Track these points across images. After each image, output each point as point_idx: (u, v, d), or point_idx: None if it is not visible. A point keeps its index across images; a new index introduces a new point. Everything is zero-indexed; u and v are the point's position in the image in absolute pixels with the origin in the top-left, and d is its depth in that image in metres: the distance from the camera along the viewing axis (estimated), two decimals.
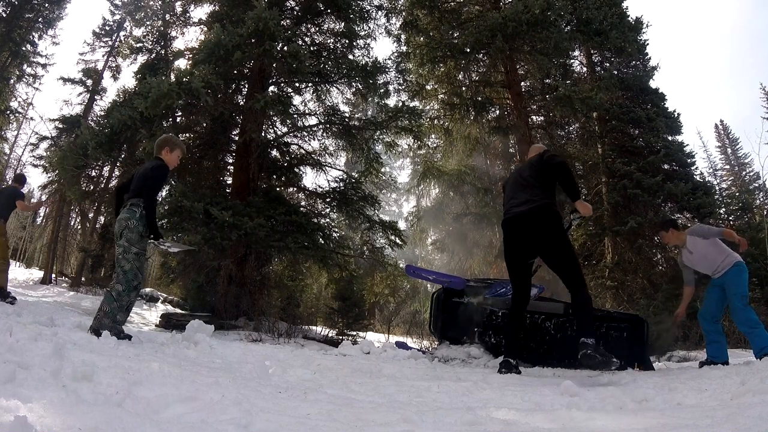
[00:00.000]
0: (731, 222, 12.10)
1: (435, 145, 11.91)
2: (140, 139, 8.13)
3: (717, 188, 14.41)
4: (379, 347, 5.08)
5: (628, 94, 11.18)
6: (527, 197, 3.12)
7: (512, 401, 2.11)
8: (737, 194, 14.09)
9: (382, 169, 10.76)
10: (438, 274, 5.62)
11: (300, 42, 8.97)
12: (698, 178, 11.03)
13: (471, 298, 4.95)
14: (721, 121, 19.10)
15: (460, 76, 11.12)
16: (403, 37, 10.36)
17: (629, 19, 10.96)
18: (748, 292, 3.92)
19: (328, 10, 9.24)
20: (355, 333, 10.17)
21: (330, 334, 7.77)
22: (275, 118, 9.07)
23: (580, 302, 2.99)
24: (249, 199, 7.84)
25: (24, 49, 15.07)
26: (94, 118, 14.68)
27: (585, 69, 12.13)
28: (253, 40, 7.27)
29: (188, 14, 10.73)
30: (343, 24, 9.33)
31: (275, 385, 2.13)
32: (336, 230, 9.37)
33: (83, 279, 14.07)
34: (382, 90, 9.19)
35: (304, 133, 9.43)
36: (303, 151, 9.63)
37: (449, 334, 5.06)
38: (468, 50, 9.63)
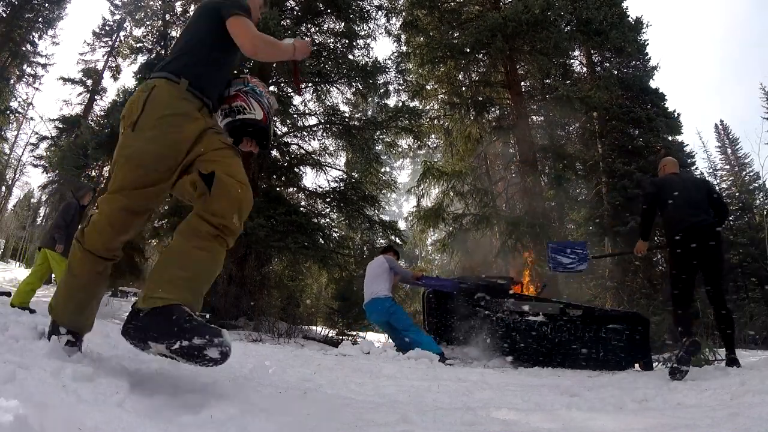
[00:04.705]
0: (731, 222, 12.11)
1: (435, 145, 11.89)
2: None
3: (717, 188, 14.39)
4: (379, 347, 5.09)
5: (628, 94, 11.18)
6: (704, 215, 3.36)
7: (512, 401, 2.11)
8: (737, 194, 14.09)
9: (382, 169, 10.76)
10: (428, 278, 5.52)
11: None
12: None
13: (463, 300, 4.88)
14: (721, 121, 19.10)
15: (460, 76, 11.12)
16: (403, 37, 10.36)
17: (629, 19, 10.98)
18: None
19: (328, 10, 9.24)
20: (355, 333, 10.15)
21: (330, 334, 7.77)
22: (275, 118, 9.07)
23: (728, 319, 3.17)
24: None
25: (24, 49, 15.09)
26: (94, 118, 14.70)
27: (585, 69, 12.14)
28: None
29: (188, 14, 10.72)
30: (343, 24, 9.33)
31: (275, 384, 2.12)
32: (336, 230, 9.36)
33: None
34: (382, 90, 9.19)
35: (304, 133, 9.42)
36: (303, 151, 9.62)
37: (445, 335, 5.03)
38: (468, 50, 9.63)
